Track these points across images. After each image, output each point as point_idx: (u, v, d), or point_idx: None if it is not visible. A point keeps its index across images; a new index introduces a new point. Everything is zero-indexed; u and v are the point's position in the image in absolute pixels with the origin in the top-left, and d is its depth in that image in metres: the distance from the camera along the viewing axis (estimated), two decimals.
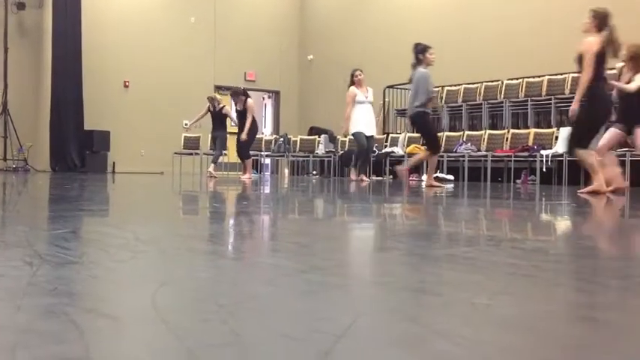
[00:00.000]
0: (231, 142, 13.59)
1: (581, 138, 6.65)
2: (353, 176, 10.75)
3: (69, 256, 1.76)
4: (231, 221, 3.39)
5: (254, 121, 12.36)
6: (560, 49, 12.16)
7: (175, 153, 15.32)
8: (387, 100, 14.86)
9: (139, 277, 1.52)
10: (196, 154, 15.47)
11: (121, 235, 2.34)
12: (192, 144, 15.79)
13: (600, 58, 6.42)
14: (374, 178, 10.48)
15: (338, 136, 15.87)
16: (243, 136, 12.17)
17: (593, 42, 6.46)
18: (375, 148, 12.33)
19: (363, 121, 10.54)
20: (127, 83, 17.01)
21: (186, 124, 15.68)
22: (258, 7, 18.68)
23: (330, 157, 15.34)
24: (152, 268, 1.66)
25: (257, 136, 16.78)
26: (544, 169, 10.83)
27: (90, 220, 3.10)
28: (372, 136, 10.88)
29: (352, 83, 10.73)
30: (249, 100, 12.41)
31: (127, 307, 1.16)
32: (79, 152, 16.02)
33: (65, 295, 1.24)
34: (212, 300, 1.22)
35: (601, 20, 6.67)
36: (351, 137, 11.45)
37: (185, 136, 15.99)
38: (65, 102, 15.90)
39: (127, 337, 0.97)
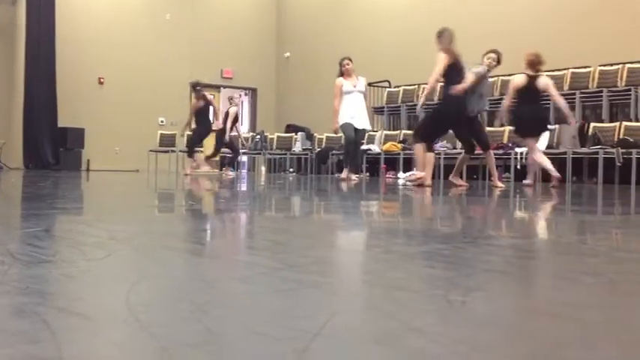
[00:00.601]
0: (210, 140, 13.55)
1: (423, 132, 7.69)
2: (343, 174, 9.77)
3: (42, 254, 1.74)
4: (207, 219, 3.37)
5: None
6: (538, 49, 12.26)
7: (151, 150, 15.21)
8: None
9: (113, 276, 1.51)
10: (172, 151, 15.38)
11: (94, 233, 2.32)
12: (167, 141, 15.69)
13: (451, 68, 7.74)
14: (354, 176, 9.87)
15: (315, 134, 15.87)
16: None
17: (442, 57, 7.99)
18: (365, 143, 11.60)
19: (350, 112, 9.68)
20: (101, 80, 16.85)
21: (172, 123, 15.64)
22: (234, 4, 18.61)
23: (307, 154, 15.34)
24: (126, 267, 1.64)
25: (233, 134, 16.74)
26: (518, 167, 10.92)
27: (63, 219, 3.06)
28: (363, 130, 10.04)
29: (341, 74, 9.88)
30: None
31: (100, 306, 1.15)
32: (52, 150, 15.85)
33: (37, 295, 1.22)
34: (187, 298, 1.21)
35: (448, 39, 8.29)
36: (334, 135, 11.10)
37: (161, 134, 15.89)
38: (39, 99, 15.72)
39: (100, 336, 0.96)
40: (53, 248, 1.94)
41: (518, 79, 8.33)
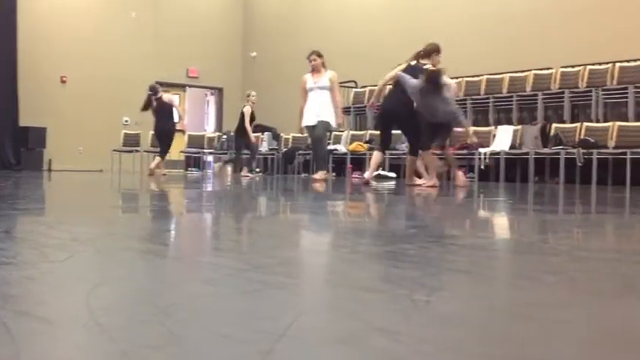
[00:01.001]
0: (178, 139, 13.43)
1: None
2: (317, 175, 9.44)
3: (1, 256, 1.71)
4: (171, 220, 3.34)
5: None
6: (499, 51, 12.44)
7: (115, 150, 15.04)
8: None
9: (74, 278, 1.49)
10: (136, 151, 15.22)
11: (56, 234, 2.28)
12: (132, 141, 15.53)
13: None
14: (314, 176, 9.60)
15: (281, 134, 15.84)
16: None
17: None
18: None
19: (313, 110, 9.40)
20: (64, 78, 16.60)
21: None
22: (200, 3, 18.50)
23: (274, 154, 15.32)
24: (88, 269, 1.62)
25: (200, 133, 16.64)
26: (482, 167, 11.04)
27: (24, 220, 3.01)
28: (322, 122, 9.45)
29: (312, 70, 9.64)
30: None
31: (61, 309, 1.13)
32: (14, 149, 15.57)
33: None
34: (149, 301, 1.20)
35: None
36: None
37: (125, 133, 15.71)
38: None
39: (61, 340, 0.94)
40: (14, 250, 1.91)
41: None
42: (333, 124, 9.61)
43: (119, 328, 0.99)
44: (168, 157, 15.07)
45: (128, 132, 15.72)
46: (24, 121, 15.72)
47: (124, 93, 16.67)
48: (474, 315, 1.15)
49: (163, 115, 12.51)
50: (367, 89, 14.46)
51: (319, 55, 9.64)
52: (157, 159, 12.58)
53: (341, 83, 14.90)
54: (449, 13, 13.44)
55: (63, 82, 16.60)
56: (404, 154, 12.04)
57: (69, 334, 0.97)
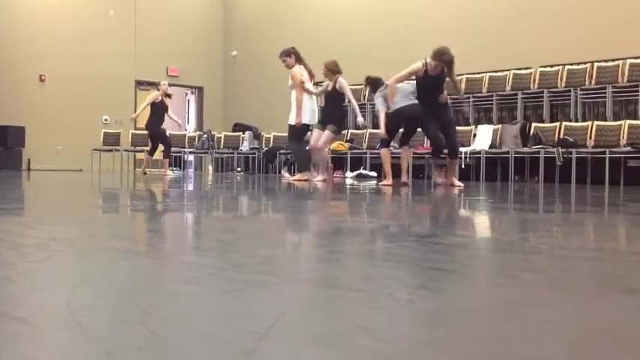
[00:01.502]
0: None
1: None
2: (291, 177, 9.64)
3: None
4: (152, 219, 3.32)
5: None
6: (479, 50, 12.51)
7: (94, 149, 14.92)
8: None
9: (54, 279, 1.47)
10: (116, 150, 15.11)
11: (35, 234, 2.26)
12: (111, 140, 15.41)
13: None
14: (286, 176, 9.65)
15: (262, 133, 15.82)
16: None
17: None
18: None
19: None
20: (42, 77, 16.44)
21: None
22: (181, 1, 18.40)
23: (255, 153, 15.29)
24: (68, 269, 1.61)
25: (180, 133, 16.53)
26: (463, 166, 11.10)
27: (2, 219, 2.98)
28: (289, 126, 9.57)
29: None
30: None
31: (41, 310, 1.12)
32: None
33: None
34: (130, 300, 1.19)
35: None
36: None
37: (105, 132, 15.59)
38: None
39: (42, 341, 0.93)
40: None
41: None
42: (292, 122, 9.49)
43: (100, 328, 0.98)
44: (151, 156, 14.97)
45: (108, 131, 15.60)
46: (2, 120, 15.55)
47: (103, 92, 16.54)
48: (455, 313, 1.16)
49: (162, 116, 12.44)
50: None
51: (288, 55, 9.58)
52: (166, 161, 12.80)
53: (321, 82, 14.94)
54: (427, 14, 13.49)
55: (42, 80, 16.44)
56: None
57: (50, 335, 0.96)
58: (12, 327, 0.98)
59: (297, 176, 9.48)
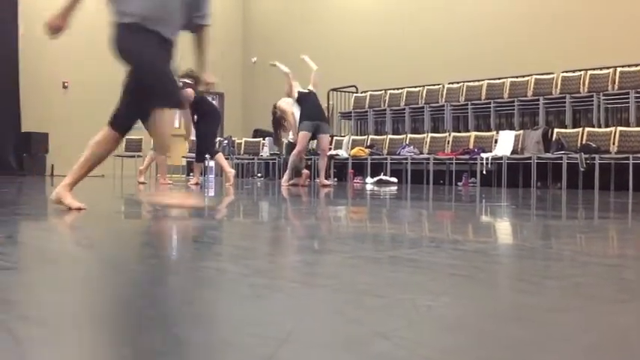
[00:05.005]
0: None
1: None
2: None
3: (4, 261, 1.71)
4: (174, 224, 3.35)
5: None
6: (500, 55, 12.46)
7: (116, 155, 15.04)
8: (331, 102, 14.93)
9: (77, 283, 1.49)
10: (138, 156, 15.22)
11: (59, 239, 2.29)
12: (133, 147, 15.54)
13: None
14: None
15: (283, 139, 15.85)
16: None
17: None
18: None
19: None
20: (66, 84, 16.62)
21: None
22: None
23: (275, 159, 15.32)
24: (91, 273, 1.62)
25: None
26: (484, 172, 11.04)
27: (27, 225, 3.02)
28: None
29: None
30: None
31: (64, 314, 1.14)
32: (16, 155, 15.58)
33: (0, 303, 1.20)
34: (152, 305, 1.20)
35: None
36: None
37: (126, 139, 15.70)
38: (1, 103, 15.44)
39: (64, 344, 0.94)
40: (16, 255, 1.91)
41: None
42: None
43: (124, 332, 0.99)
44: (169, 162, 15.07)
45: (130, 137, 15.71)
46: (26, 126, 15.73)
47: None
48: (475, 319, 1.15)
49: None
50: (368, 94, 14.48)
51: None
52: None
53: (341, 88, 14.97)
54: (449, 18, 13.45)
55: (65, 87, 16.62)
56: (404, 159, 12.07)
57: (72, 338, 0.98)
58: (36, 331, 1.00)
59: (293, 180, 9.85)
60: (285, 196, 6.69)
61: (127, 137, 15.71)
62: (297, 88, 9.87)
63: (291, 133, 10.41)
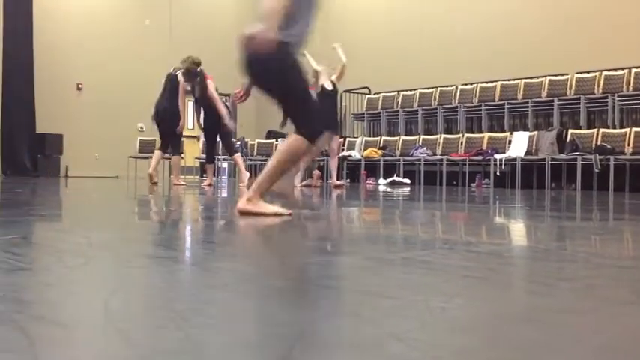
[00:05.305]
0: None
1: None
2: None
3: (19, 262, 1.72)
4: (187, 226, 3.36)
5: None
6: (514, 56, 12.40)
7: (130, 157, 15.12)
8: (344, 104, 14.93)
9: (91, 284, 1.50)
10: (152, 157, 15.27)
11: (73, 240, 2.30)
12: (147, 148, 15.60)
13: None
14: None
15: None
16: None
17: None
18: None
19: None
20: (80, 86, 16.72)
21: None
22: (214, 10, 18.58)
23: None
24: (105, 274, 1.63)
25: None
26: (498, 173, 10.99)
27: (41, 225, 3.04)
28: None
29: None
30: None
31: (78, 314, 1.14)
32: (31, 156, 15.69)
33: (15, 302, 1.21)
34: (167, 306, 1.21)
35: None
36: None
37: (140, 140, 15.79)
38: (16, 105, 15.56)
39: (79, 345, 0.95)
40: (31, 255, 1.93)
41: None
42: None
43: (137, 332, 1.00)
44: (183, 163, 15.14)
45: (143, 138, 15.79)
46: (41, 128, 15.85)
47: (139, 100, 16.74)
48: (488, 321, 1.15)
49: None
50: (381, 95, 14.46)
51: None
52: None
53: (354, 89, 14.95)
54: (462, 20, 13.41)
55: (79, 89, 16.72)
56: (417, 160, 12.04)
57: (87, 338, 0.98)
58: (50, 330, 1.00)
59: (306, 182, 9.73)
60: (299, 197, 6.70)
61: (140, 138, 15.56)
62: (323, 81, 9.69)
63: None
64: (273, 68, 3.46)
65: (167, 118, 9.66)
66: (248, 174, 9.50)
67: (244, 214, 3.38)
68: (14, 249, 1.99)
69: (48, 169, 15.49)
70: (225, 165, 17.55)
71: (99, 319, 1.07)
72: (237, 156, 9.82)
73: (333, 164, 10.05)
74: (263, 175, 3.50)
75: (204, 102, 9.66)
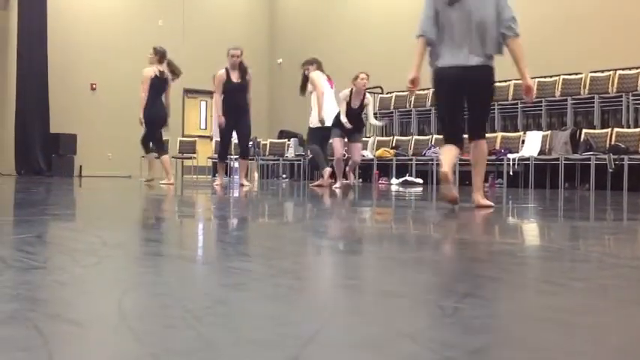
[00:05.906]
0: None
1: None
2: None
3: (33, 261, 1.74)
4: (199, 225, 3.37)
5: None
6: (529, 55, 12.30)
7: (143, 156, 15.17)
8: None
9: (104, 283, 1.50)
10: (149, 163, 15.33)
11: (86, 239, 2.31)
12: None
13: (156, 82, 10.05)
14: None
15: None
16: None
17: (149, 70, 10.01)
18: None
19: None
20: (94, 86, 16.81)
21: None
22: (227, 11, 18.62)
23: (300, 160, 15.34)
24: (118, 273, 1.64)
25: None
26: (511, 173, 10.94)
27: (55, 225, 3.05)
28: (308, 128, 10.27)
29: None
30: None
31: (92, 313, 1.15)
32: (45, 156, 15.79)
33: (29, 301, 1.22)
34: (179, 305, 1.21)
35: (161, 55, 10.43)
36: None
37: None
38: (31, 105, 15.67)
39: (92, 343, 0.95)
40: (45, 254, 1.94)
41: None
42: (311, 125, 10.16)
43: (149, 332, 1.00)
44: (195, 162, 15.22)
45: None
46: (55, 128, 15.95)
47: None
48: (501, 321, 1.14)
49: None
50: (393, 95, 14.44)
51: (310, 64, 10.23)
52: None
53: (367, 89, 14.92)
54: None
55: (93, 89, 16.81)
56: (430, 160, 12.01)
57: (100, 337, 0.99)
58: (64, 329, 1.01)
59: (319, 181, 9.71)
60: (310, 197, 6.71)
61: None
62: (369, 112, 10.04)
63: (314, 113, 9.95)
64: (492, 87, 5.05)
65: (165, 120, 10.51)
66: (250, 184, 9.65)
67: (482, 207, 4.63)
68: (28, 248, 2.00)
69: (62, 169, 15.58)
70: (237, 164, 17.58)
71: (112, 318, 1.08)
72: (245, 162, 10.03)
73: (349, 168, 9.93)
74: (479, 177, 4.99)
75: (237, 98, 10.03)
